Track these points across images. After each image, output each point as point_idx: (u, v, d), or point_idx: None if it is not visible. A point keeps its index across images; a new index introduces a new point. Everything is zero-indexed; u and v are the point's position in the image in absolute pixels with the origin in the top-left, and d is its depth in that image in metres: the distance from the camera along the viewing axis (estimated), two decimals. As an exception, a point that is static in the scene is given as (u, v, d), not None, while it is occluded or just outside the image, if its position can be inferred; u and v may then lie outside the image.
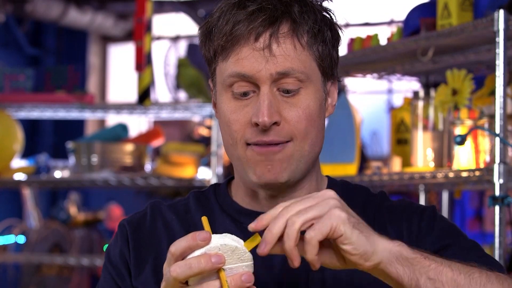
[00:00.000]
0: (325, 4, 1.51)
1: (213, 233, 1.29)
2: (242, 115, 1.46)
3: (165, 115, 4.38)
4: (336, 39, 1.53)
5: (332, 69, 1.53)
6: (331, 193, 1.29)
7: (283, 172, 1.47)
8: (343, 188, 1.60)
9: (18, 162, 4.42)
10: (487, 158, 2.55)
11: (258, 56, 1.44)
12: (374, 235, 1.29)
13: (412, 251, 1.30)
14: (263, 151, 1.46)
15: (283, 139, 1.46)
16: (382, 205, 1.58)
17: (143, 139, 4.33)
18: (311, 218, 1.25)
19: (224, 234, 1.30)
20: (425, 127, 2.87)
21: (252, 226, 1.27)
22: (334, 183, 1.61)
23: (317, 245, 1.24)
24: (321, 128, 1.52)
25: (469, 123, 2.61)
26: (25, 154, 4.80)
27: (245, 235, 1.30)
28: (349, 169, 3.02)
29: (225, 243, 1.27)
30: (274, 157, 1.46)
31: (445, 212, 3.46)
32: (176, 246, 1.27)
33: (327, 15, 1.51)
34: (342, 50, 3.01)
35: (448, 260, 1.33)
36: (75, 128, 8.88)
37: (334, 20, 1.52)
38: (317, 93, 1.49)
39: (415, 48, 2.77)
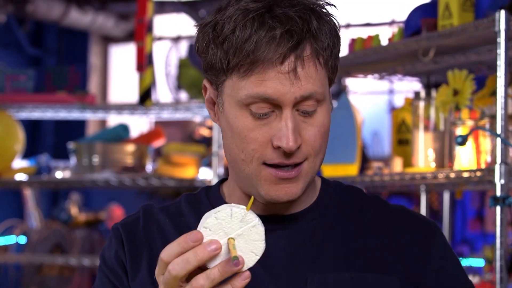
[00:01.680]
0: (328, 8, 1.48)
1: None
2: (261, 134, 1.43)
3: (166, 115, 4.38)
4: (340, 46, 1.51)
5: (335, 77, 1.52)
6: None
7: (298, 191, 1.46)
8: (337, 189, 1.60)
9: (19, 163, 4.43)
10: (488, 159, 2.55)
11: (283, 79, 1.40)
12: None
13: None
14: (281, 176, 1.44)
15: (301, 160, 1.44)
16: (383, 208, 1.58)
17: (144, 140, 4.33)
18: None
19: (216, 209, 1.29)
20: (426, 128, 2.87)
21: None
22: (328, 184, 1.60)
23: None
24: (328, 140, 1.51)
25: (470, 123, 2.61)
26: (26, 155, 4.81)
27: None
28: (350, 170, 3.02)
29: (216, 216, 1.27)
30: (291, 180, 1.45)
31: (446, 213, 3.46)
32: (169, 252, 1.26)
33: (333, 20, 1.48)
34: (343, 50, 3.02)
35: None
36: (76, 128, 8.88)
37: (339, 28, 1.50)
38: (328, 108, 1.48)
39: (416, 48, 2.77)
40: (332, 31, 1.46)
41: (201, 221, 1.29)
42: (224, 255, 1.26)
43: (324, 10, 1.46)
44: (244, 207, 1.28)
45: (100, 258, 1.57)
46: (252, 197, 1.31)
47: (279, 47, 1.39)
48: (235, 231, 1.27)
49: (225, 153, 1.51)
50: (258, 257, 1.28)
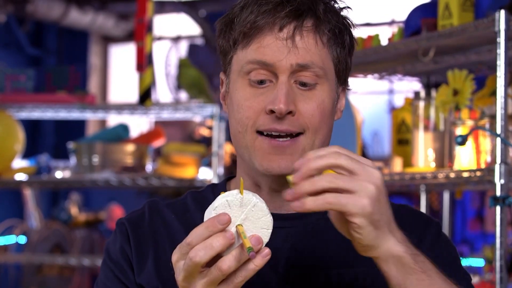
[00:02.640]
0: (345, 12, 1.54)
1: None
2: (256, 102, 1.47)
3: (166, 115, 4.38)
4: (353, 46, 1.55)
5: (345, 75, 1.55)
6: (377, 176, 1.27)
7: (292, 165, 1.47)
8: None
9: (19, 163, 4.42)
10: (488, 159, 2.55)
11: (280, 45, 1.46)
12: (386, 234, 1.28)
13: (414, 261, 1.30)
14: (275, 144, 1.47)
15: (296, 130, 1.47)
16: None
17: (144, 140, 4.33)
18: (342, 187, 1.24)
19: (212, 204, 1.30)
20: (426, 128, 2.87)
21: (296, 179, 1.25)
22: None
23: (325, 208, 1.25)
24: (331, 128, 1.53)
25: (470, 123, 2.61)
26: (26, 155, 4.80)
27: None
28: (350, 170, 3.01)
29: (216, 211, 1.28)
30: (285, 151, 1.47)
31: (446, 213, 3.46)
32: (197, 236, 1.27)
33: (347, 21, 1.53)
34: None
35: (449, 281, 1.34)
36: (76, 128, 8.88)
37: (353, 29, 1.54)
38: (331, 92, 1.51)
39: (416, 48, 2.77)
40: (340, 21, 1.51)
41: (204, 219, 1.30)
42: (236, 243, 1.28)
43: (335, 4, 1.52)
44: (236, 191, 1.30)
45: (104, 252, 1.57)
46: (241, 179, 1.33)
47: (277, 14, 1.46)
48: (239, 217, 1.29)
49: (231, 136, 1.54)
50: (270, 231, 1.30)
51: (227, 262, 1.25)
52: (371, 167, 1.28)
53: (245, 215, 1.29)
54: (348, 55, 1.54)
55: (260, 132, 1.48)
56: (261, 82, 1.47)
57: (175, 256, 1.30)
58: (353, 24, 1.54)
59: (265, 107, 1.46)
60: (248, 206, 1.29)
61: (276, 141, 1.47)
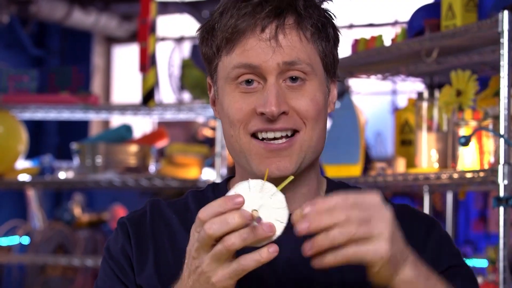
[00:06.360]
0: (326, 5, 1.53)
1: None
2: (246, 104, 1.46)
3: (169, 116, 4.38)
4: (337, 38, 1.54)
5: (334, 68, 1.54)
6: (388, 216, 1.28)
7: (291, 166, 1.47)
8: (342, 190, 1.60)
9: (22, 163, 4.43)
10: (492, 159, 2.55)
11: (264, 46, 1.45)
12: (401, 264, 1.30)
13: (425, 285, 1.32)
14: (272, 148, 1.46)
15: (291, 126, 1.46)
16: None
17: (147, 140, 4.33)
18: (359, 238, 1.25)
19: (235, 186, 1.30)
20: (429, 128, 2.87)
21: (303, 228, 1.25)
22: (333, 185, 1.61)
23: (346, 262, 1.26)
24: (326, 121, 1.53)
25: (473, 124, 2.61)
26: (30, 155, 4.82)
27: None
28: (353, 170, 3.02)
29: (236, 191, 1.28)
30: (282, 153, 1.46)
31: (449, 213, 3.46)
32: (208, 211, 1.27)
33: (328, 14, 1.52)
34: (346, 51, 3.01)
35: None
36: (79, 129, 8.89)
37: (335, 22, 1.53)
38: (321, 86, 1.50)
39: (419, 49, 2.77)
40: (322, 15, 1.50)
41: None
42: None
43: (317, 1, 1.50)
44: (261, 180, 1.30)
45: (104, 251, 1.57)
46: (268, 169, 1.33)
47: (257, 15, 1.45)
48: (256, 203, 1.28)
49: (225, 141, 1.53)
50: (284, 225, 1.29)
51: (232, 238, 1.25)
52: (380, 206, 1.28)
53: (262, 201, 1.28)
54: (334, 47, 1.53)
55: (254, 136, 1.47)
56: (249, 82, 1.46)
57: (193, 227, 1.31)
58: (334, 16, 1.53)
59: (255, 109, 1.45)
60: (267, 194, 1.29)
61: (272, 144, 1.46)
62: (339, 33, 1.54)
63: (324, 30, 1.50)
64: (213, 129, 6.62)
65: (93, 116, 4.45)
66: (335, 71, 1.56)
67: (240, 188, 1.29)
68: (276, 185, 1.33)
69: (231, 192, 1.29)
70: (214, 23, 1.49)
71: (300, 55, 1.45)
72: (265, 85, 1.46)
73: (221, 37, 1.47)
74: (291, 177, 1.33)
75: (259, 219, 1.26)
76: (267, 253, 1.26)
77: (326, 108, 1.51)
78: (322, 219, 1.25)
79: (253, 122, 1.46)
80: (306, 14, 1.47)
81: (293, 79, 1.46)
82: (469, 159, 2.61)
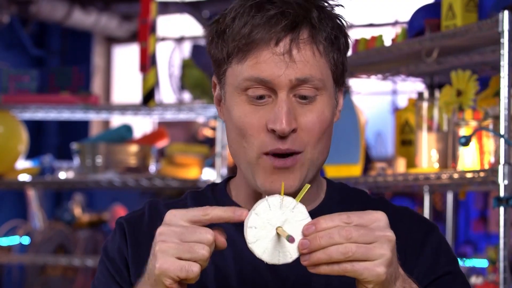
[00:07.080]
0: (337, 10, 1.51)
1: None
2: (256, 119, 1.44)
3: (169, 116, 4.38)
4: (348, 46, 1.53)
5: (342, 77, 1.53)
6: (390, 239, 1.29)
7: (295, 183, 1.46)
8: (342, 192, 1.60)
9: (22, 163, 4.43)
10: (492, 159, 2.55)
11: (278, 60, 1.42)
12: (392, 285, 1.31)
13: None
14: (279, 165, 1.44)
15: (297, 149, 1.45)
16: (387, 210, 1.58)
17: (147, 140, 4.33)
18: (358, 259, 1.26)
19: (253, 207, 1.30)
20: (429, 128, 2.86)
21: (304, 247, 1.27)
22: (333, 187, 1.61)
23: (340, 274, 1.27)
24: (331, 135, 1.51)
25: (473, 124, 2.61)
26: (30, 155, 4.82)
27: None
28: (353, 170, 3.02)
29: (257, 213, 1.28)
30: (287, 170, 1.45)
31: (449, 213, 3.46)
32: (216, 211, 1.30)
33: (340, 22, 1.50)
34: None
35: None
36: (79, 129, 8.89)
37: (346, 27, 1.52)
38: (331, 101, 1.49)
39: (420, 49, 2.77)
40: (335, 26, 1.48)
41: (244, 222, 1.29)
42: (276, 246, 1.28)
43: (327, 6, 1.48)
44: (278, 195, 1.29)
45: (102, 251, 1.57)
46: (283, 183, 1.33)
47: (273, 28, 1.42)
48: (279, 219, 1.28)
49: (228, 146, 1.52)
50: None
51: (216, 209, 1.30)
52: (384, 228, 1.29)
53: (284, 217, 1.28)
54: (344, 56, 1.52)
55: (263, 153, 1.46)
56: (260, 97, 1.44)
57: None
58: (347, 23, 1.51)
59: (265, 124, 1.44)
60: (288, 208, 1.28)
61: (280, 160, 1.45)
62: (349, 40, 1.53)
63: (337, 42, 1.48)
64: (213, 129, 6.62)
65: (93, 116, 4.45)
66: (344, 80, 1.55)
67: (260, 209, 1.28)
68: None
69: (250, 213, 1.29)
70: (226, 28, 1.45)
71: (312, 72, 1.43)
72: (275, 99, 1.44)
73: (233, 45, 1.44)
74: (308, 185, 1.32)
75: (292, 239, 1.25)
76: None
77: (332, 122, 1.50)
78: (323, 240, 1.26)
79: (265, 140, 1.44)
80: (321, 27, 1.45)
81: (304, 97, 1.44)
82: (469, 159, 2.61)
